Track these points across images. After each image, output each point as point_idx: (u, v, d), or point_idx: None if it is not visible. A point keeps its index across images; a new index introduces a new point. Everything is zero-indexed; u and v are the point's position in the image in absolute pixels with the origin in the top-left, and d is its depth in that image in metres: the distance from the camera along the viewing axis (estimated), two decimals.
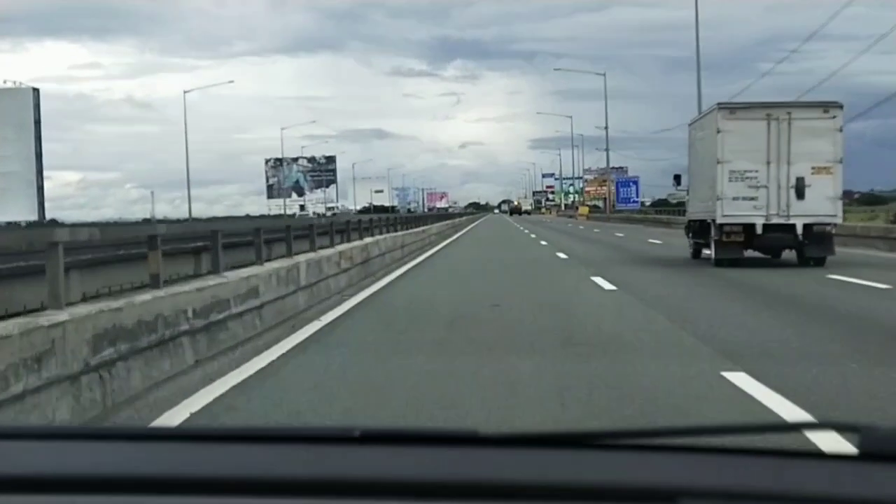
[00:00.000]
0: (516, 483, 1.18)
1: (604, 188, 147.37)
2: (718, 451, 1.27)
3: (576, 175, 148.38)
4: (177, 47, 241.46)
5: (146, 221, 56.16)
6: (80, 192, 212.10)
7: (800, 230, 19.24)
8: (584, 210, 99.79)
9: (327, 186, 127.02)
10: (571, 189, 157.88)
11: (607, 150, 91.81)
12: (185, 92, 71.01)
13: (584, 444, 1.32)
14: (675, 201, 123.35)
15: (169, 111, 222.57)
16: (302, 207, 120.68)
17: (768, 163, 19.37)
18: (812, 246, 19.44)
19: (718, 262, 19.90)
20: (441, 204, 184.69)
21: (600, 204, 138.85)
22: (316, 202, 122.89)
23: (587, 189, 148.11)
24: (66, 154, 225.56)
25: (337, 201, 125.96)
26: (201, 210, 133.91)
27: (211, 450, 1.34)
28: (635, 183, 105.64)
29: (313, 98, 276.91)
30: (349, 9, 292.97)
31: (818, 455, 1.30)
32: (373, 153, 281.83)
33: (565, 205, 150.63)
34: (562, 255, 25.81)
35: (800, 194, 19.23)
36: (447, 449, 1.31)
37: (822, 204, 19.17)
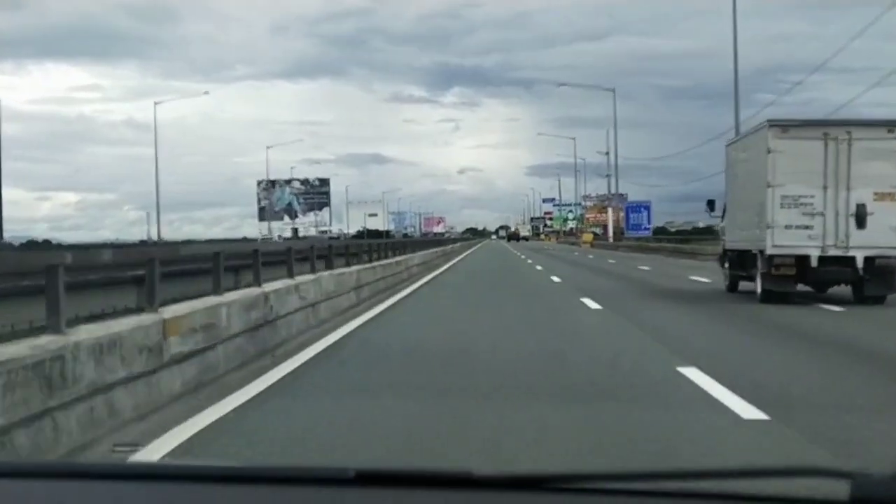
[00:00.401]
0: None
1: (604, 215, 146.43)
2: (712, 496, 1.26)
3: (575, 201, 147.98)
4: (178, 71, 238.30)
5: (142, 243, 55.84)
6: (78, 212, 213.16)
7: (860, 263, 17.07)
8: (588, 237, 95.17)
9: (320, 209, 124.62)
10: (570, 215, 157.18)
11: (615, 173, 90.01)
12: (155, 103, 68.52)
13: (579, 489, 1.29)
14: (673, 229, 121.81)
15: (168, 134, 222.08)
16: (295, 231, 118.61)
17: (825, 187, 17.21)
18: (873, 282, 17.26)
19: (766, 298, 17.69)
20: (438, 229, 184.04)
21: (598, 231, 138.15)
22: (308, 225, 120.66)
23: (587, 216, 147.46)
24: (66, 175, 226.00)
25: (330, 224, 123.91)
26: (199, 232, 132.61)
27: (200, 490, 1.30)
28: (647, 208, 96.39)
29: (314, 123, 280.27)
30: (351, 35, 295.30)
31: (809, 501, 1.27)
32: (372, 178, 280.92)
33: (564, 231, 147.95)
34: (591, 304, 17.55)
35: (860, 223, 17.08)
36: (442, 491, 1.29)
37: (885, 234, 16.99)
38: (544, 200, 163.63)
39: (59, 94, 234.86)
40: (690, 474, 1.33)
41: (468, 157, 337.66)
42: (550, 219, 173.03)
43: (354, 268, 18.12)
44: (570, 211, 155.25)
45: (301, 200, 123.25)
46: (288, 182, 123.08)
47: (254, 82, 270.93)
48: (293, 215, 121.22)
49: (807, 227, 17.23)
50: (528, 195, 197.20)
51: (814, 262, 17.25)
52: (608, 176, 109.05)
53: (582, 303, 18.03)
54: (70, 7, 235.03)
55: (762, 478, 1.35)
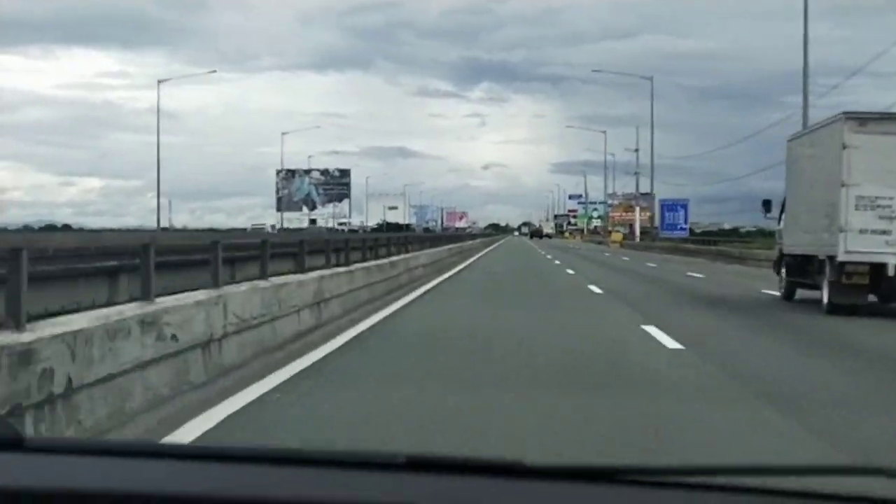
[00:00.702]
0: None
1: (630, 214, 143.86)
2: (756, 491, 1.25)
3: (600, 200, 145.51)
4: (205, 60, 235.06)
5: (164, 230, 55.51)
6: (102, 198, 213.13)
7: None
8: (617, 236, 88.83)
9: (340, 201, 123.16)
10: (595, 213, 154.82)
11: (651, 172, 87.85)
12: (159, 82, 66.41)
13: (633, 482, 1.29)
14: (699, 230, 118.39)
15: (194, 122, 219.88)
16: (313, 221, 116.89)
17: None
18: None
19: (833, 310, 15.83)
20: (460, 224, 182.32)
21: (624, 230, 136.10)
22: (327, 216, 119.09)
23: (612, 214, 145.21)
24: (91, 161, 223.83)
25: (350, 216, 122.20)
26: (221, 221, 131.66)
27: (253, 471, 1.32)
28: (683, 207, 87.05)
29: (339, 115, 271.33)
30: (378, 28, 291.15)
31: (858, 499, 1.25)
32: (396, 171, 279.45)
33: (590, 230, 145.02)
34: (662, 338, 11.60)
35: None
36: (492, 479, 1.29)
37: None
38: (570, 197, 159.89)
39: (85, 80, 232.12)
40: (751, 470, 1.37)
41: (493, 152, 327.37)
42: (574, 216, 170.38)
43: (314, 274, 12.63)
44: (595, 209, 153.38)
45: (321, 191, 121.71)
46: (307, 172, 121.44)
47: (280, 73, 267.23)
48: (312, 206, 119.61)
49: (884, 232, 15.37)
50: (553, 192, 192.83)
51: (890, 271, 15.38)
52: (636, 174, 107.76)
53: (646, 333, 12.26)
54: None
55: (816, 475, 1.34)
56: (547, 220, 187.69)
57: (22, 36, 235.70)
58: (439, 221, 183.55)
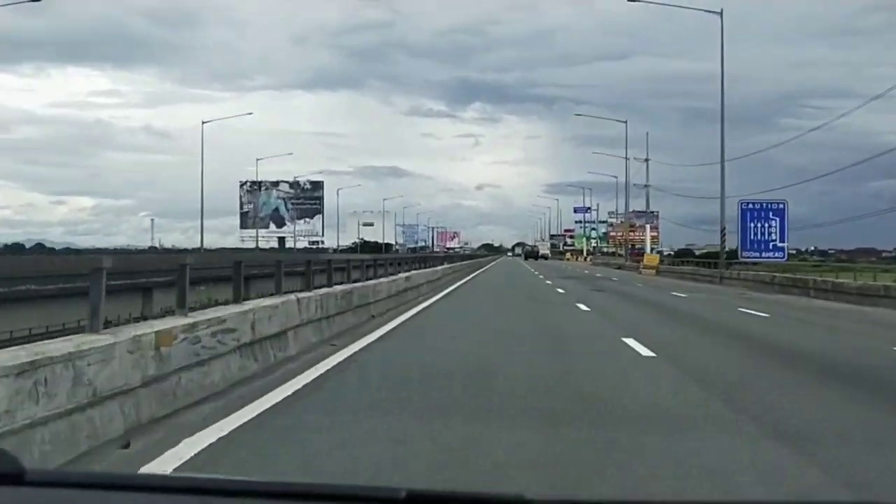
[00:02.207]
0: None
1: (632, 233, 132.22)
2: None
3: (600, 220, 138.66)
4: (197, 78, 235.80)
5: (152, 249, 59.17)
6: (94, 217, 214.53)
7: None
8: (652, 259, 64.60)
9: (312, 217, 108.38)
10: (593, 234, 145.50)
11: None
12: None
13: None
14: (698, 252, 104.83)
15: (186, 142, 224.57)
16: (281, 241, 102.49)
17: None
18: None
19: None
20: (452, 244, 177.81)
21: (619, 251, 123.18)
22: (298, 235, 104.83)
23: (611, 234, 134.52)
24: (83, 180, 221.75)
25: (323, 234, 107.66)
26: (212, 241, 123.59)
27: None
28: (779, 213, 49.30)
29: (331, 134, 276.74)
30: (371, 48, 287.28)
31: None
32: (388, 191, 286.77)
33: (601, 251, 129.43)
34: None
35: None
36: None
37: None
38: (576, 210, 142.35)
39: (78, 99, 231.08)
40: None
41: (486, 173, 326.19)
42: (572, 236, 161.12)
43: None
44: (594, 229, 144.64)
45: (290, 206, 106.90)
46: (275, 185, 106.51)
47: (273, 92, 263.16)
48: (280, 223, 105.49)
49: None
50: (546, 213, 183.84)
51: None
52: (647, 186, 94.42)
53: None
54: (93, 10, 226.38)
55: None
56: (542, 239, 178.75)
57: (14, 54, 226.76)
58: (430, 241, 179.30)
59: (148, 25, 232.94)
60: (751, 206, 46.17)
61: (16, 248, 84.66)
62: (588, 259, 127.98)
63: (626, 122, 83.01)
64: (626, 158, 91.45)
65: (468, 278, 40.09)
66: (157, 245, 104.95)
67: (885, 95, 53.11)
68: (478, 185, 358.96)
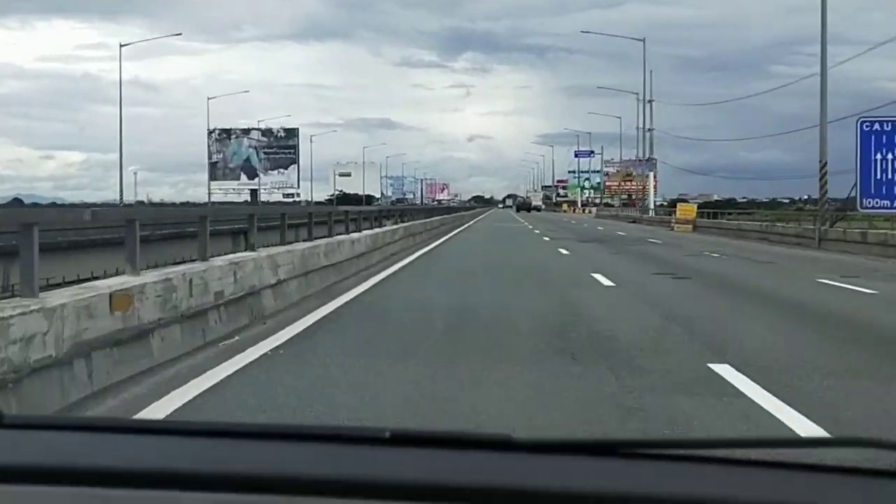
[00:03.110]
0: (549, 490, 1.18)
1: (629, 183, 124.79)
2: (754, 463, 1.26)
3: (594, 168, 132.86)
4: (185, 30, 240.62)
5: (140, 203, 62.38)
6: (83, 172, 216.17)
7: None
8: (688, 211, 47.46)
9: (286, 168, 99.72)
10: (587, 184, 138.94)
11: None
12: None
13: (618, 453, 1.31)
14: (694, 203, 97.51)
15: (174, 95, 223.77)
16: (254, 193, 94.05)
17: None
18: None
19: None
20: (442, 196, 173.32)
21: (612, 202, 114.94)
22: (272, 187, 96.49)
23: (608, 183, 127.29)
24: (71, 134, 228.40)
25: (298, 186, 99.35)
26: (200, 195, 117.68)
27: (237, 446, 1.33)
28: None
29: (321, 86, 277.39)
30: None
31: (854, 470, 1.27)
32: (379, 143, 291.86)
33: (605, 202, 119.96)
34: None
35: None
36: (479, 453, 1.29)
37: None
38: (577, 154, 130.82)
39: (65, 52, 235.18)
40: (731, 443, 1.36)
41: (478, 124, 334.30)
42: (564, 187, 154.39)
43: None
44: (588, 179, 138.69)
45: (262, 156, 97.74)
46: (246, 132, 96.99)
47: (261, 43, 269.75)
48: (252, 174, 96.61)
49: None
50: (539, 162, 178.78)
51: None
52: (650, 130, 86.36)
53: None
54: None
55: (808, 447, 1.38)
56: (535, 190, 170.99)
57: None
58: (418, 193, 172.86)
59: None
60: (879, 127, 28.20)
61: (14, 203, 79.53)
62: (588, 211, 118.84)
63: (643, 39, 74.10)
64: (643, 101, 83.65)
65: (445, 238, 31.39)
66: (144, 200, 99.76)
67: (884, 44, 46.01)
68: (469, 136, 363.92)
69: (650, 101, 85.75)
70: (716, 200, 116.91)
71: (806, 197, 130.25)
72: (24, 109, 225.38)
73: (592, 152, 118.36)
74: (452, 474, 1.21)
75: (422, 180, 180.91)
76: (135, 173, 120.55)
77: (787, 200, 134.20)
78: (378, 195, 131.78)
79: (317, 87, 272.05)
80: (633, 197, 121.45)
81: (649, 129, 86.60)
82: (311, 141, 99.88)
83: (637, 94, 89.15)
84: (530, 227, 50.40)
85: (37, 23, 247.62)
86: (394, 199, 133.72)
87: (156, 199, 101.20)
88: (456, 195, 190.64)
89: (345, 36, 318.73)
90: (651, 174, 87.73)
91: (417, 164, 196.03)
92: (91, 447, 1.31)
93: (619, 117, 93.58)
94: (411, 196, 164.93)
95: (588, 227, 52.62)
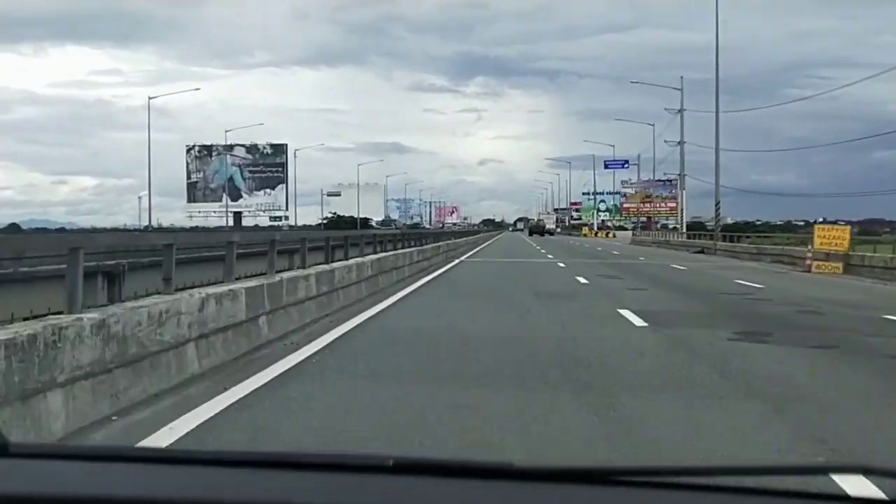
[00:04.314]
0: None
1: (647, 205, 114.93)
2: (752, 492, 1.26)
3: (607, 190, 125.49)
4: (196, 56, 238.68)
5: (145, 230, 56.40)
6: (95, 197, 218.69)
7: None
8: (838, 236, 27.50)
9: (273, 188, 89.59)
10: (602, 206, 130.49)
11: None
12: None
13: (620, 482, 1.30)
14: (709, 225, 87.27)
15: (186, 120, 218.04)
16: (237, 217, 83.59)
17: None
18: None
19: None
20: (452, 219, 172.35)
21: (626, 225, 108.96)
22: (256, 209, 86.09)
23: (626, 205, 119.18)
24: (84, 159, 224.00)
25: (287, 207, 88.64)
26: (211, 221, 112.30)
27: (238, 475, 1.33)
28: None
29: (332, 111, 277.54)
30: (372, 23, 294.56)
31: (844, 498, 1.27)
32: (390, 168, 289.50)
33: (640, 225, 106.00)
34: None
35: None
36: (482, 482, 1.29)
37: None
38: (606, 164, 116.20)
39: (78, 78, 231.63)
40: (728, 470, 1.38)
41: (489, 148, 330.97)
42: (578, 210, 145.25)
43: None
44: (603, 201, 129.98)
45: (247, 175, 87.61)
46: (229, 149, 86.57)
47: (273, 69, 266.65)
48: (236, 195, 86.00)
49: None
50: (549, 186, 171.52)
51: None
52: (681, 143, 76.23)
53: None
54: None
55: (800, 475, 1.40)
56: (548, 213, 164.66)
57: (13, 33, 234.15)
58: (428, 217, 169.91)
59: (147, 2, 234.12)
60: None
61: (11, 230, 73.33)
62: (612, 235, 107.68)
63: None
64: (680, 107, 74.09)
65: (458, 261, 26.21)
66: (153, 224, 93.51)
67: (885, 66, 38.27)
68: (480, 160, 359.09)
69: (680, 111, 76.48)
70: (732, 223, 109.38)
71: (822, 219, 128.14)
72: (37, 135, 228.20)
73: (626, 162, 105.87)
74: (455, 503, 1.20)
75: (430, 203, 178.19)
76: (139, 198, 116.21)
77: (801, 223, 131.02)
78: (379, 218, 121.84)
79: (328, 112, 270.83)
80: (650, 219, 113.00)
81: (679, 143, 77.01)
82: (294, 155, 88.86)
83: (653, 124, 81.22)
84: (551, 257, 37.84)
85: (50, 49, 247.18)
86: (398, 222, 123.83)
87: (165, 224, 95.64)
88: (465, 218, 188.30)
89: (356, 61, 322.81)
90: (683, 192, 77.37)
91: (431, 189, 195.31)
92: (96, 476, 1.32)
93: (652, 125, 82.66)
94: (418, 219, 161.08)
95: (632, 262, 34.98)
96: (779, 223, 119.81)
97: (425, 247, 26.82)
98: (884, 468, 1.21)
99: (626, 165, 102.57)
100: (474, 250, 45.17)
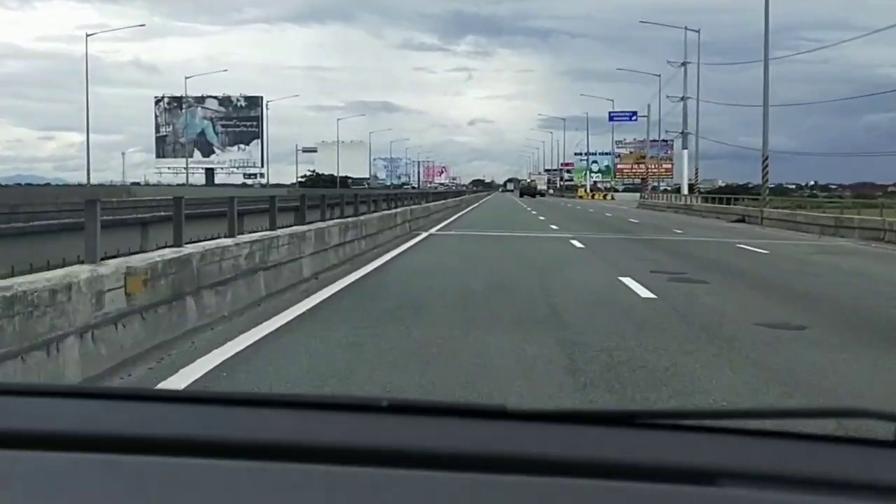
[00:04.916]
0: (544, 458, 1.18)
1: (642, 166, 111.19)
2: (757, 433, 1.27)
3: (600, 151, 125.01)
4: (185, 12, 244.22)
5: (135, 185, 54.78)
6: (82, 153, 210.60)
7: None
8: None
9: (248, 143, 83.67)
10: (595, 167, 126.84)
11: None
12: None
13: (616, 423, 1.31)
14: (702, 189, 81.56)
15: (175, 76, 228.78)
16: (210, 173, 78.03)
17: None
18: None
19: None
20: (441, 179, 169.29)
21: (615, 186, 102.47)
22: (230, 166, 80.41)
23: (620, 166, 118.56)
24: (71, 115, 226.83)
25: (263, 164, 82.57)
26: (199, 178, 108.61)
27: (236, 413, 1.34)
28: None
29: (322, 68, 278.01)
30: None
31: (855, 440, 1.30)
32: (380, 126, 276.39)
33: (651, 185, 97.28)
34: None
35: None
36: (475, 422, 1.30)
37: None
38: (611, 116, 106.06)
39: (65, 32, 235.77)
40: (734, 413, 1.39)
41: (479, 107, 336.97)
42: (570, 171, 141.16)
43: None
44: (595, 161, 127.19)
45: (220, 129, 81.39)
46: (200, 101, 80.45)
47: (262, 25, 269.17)
48: (208, 150, 80.00)
49: None
50: (541, 146, 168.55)
51: None
52: (683, 98, 71.12)
53: None
54: None
55: (810, 418, 1.40)
56: (539, 173, 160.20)
57: None
58: (416, 177, 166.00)
59: None
60: None
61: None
62: (611, 197, 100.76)
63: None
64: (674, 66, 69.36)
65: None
66: (140, 182, 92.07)
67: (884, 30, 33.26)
68: (470, 120, 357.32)
69: (684, 64, 70.97)
70: (722, 186, 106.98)
71: (813, 183, 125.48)
72: (23, 90, 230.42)
73: (634, 114, 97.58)
74: (448, 442, 1.23)
75: (418, 162, 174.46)
76: (123, 154, 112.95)
77: (792, 186, 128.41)
78: (365, 177, 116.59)
79: (317, 70, 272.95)
80: (644, 181, 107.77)
81: (682, 98, 71.24)
82: (266, 107, 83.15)
83: (659, 75, 76.32)
84: (556, 228, 28.26)
85: (36, 2, 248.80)
86: (370, 181, 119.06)
87: (152, 181, 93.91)
88: (454, 178, 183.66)
89: (346, 18, 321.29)
90: (685, 152, 71.80)
91: (420, 148, 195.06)
92: (83, 413, 1.33)
93: (658, 75, 77.51)
94: (406, 179, 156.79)
95: (671, 238, 24.79)
96: (770, 186, 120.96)
97: (366, 216, 17.49)
98: (886, 412, 1.24)
99: (633, 118, 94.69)
100: (455, 216, 36.96)
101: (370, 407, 1.32)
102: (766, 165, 40.43)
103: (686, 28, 68.62)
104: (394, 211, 21.36)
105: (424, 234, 22.42)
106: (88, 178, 52.12)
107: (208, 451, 1.18)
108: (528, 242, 20.89)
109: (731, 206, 45.53)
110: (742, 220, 37.54)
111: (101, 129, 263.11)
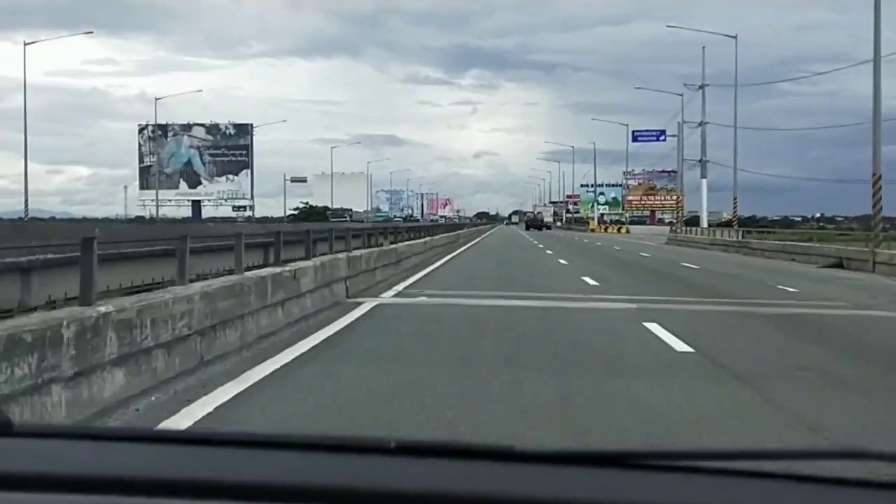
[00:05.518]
0: (554, 500, 1.18)
1: (651, 197, 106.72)
2: (760, 475, 1.27)
3: (607, 183, 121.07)
4: (192, 46, 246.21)
5: (139, 219, 58.73)
6: (90, 187, 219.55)
7: None
8: None
9: (237, 173, 78.80)
10: (602, 199, 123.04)
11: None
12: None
13: (622, 464, 1.31)
14: (709, 220, 76.13)
15: (181, 110, 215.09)
16: (196, 206, 73.03)
17: None
18: None
19: None
20: (445, 212, 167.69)
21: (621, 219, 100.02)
22: (218, 197, 75.32)
23: (629, 198, 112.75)
24: (78, 149, 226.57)
25: (252, 197, 77.39)
26: (209, 211, 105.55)
27: (242, 455, 1.34)
28: None
29: (327, 102, 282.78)
30: (368, 14, 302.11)
31: (853, 482, 1.30)
32: (385, 159, 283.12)
33: (674, 219, 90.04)
34: None
35: None
36: (483, 463, 1.31)
37: None
38: (635, 136, 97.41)
39: (72, 67, 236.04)
40: (736, 454, 1.38)
41: (484, 140, 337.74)
42: (576, 203, 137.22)
43: None
44: (602, 193, 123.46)
45: (207, 158, 76.62)
46: (186, 129, 75.84)
47: (268, 59, 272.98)
48: (194, 181, 75.12)
49: None
50: (550, 173, 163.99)
51: None
52: (702, 124, 66.32)
53: None
54: None
55: (814, 459, 1.39)
56: (544, 205, 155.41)
57: (8, 21, 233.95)
58: (417, 208, 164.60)
59: None
60: None
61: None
62: (626, 230, 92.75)
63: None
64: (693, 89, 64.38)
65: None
66: (144, 216, 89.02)
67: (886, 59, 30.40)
68: (475, 153, 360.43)
69: (702, 87, 66.00)
70: (728, 220, 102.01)
71: (819, 215, 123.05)
72: (31, 124, 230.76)
73: (663, 133, 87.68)
74: (456, 485, 1.21)
75: (422, 195, 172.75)
76: (125, 188, 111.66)
77: (798, 218, 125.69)
78: (359, 209, 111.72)
79: (322, 103, 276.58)
80: (655, 213, 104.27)
81: (700, 124, 66.18)
82: (252, 132, 78.66)
83: (681, 95, 71.13)
84: (594, 283, 18.49)
85: (44, 37, 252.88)
86: (352, 213, 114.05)
87: (156, 215, 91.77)
88: (459, 211, 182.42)
89: (351, 52, 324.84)
90: (704, 182, 66.20)
91: (425, 181, 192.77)
92: (99, 455, 1.32)
93: (681, 95, 72.29)
94: (409, 211, 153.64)
95: (721, 273, 21.76)
96: (776, 218, 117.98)
97: (304, 263, 12.09)
98: (887, 452, 1.22)
99: (662, 137, 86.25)
100: (446, 258, 28.50)
101: (378, 448, 1.31)
102: (879, 188, 28.63)
103: (703, 47, 63.92)
104: (357, 253, 15.73)
105: (369, 304, 13.19)
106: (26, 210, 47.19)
107: (214, 492, 1.16)
108: (564, 322, 11.66)
109: (819, 244, 33.06)
110: (839, 265, 27.80)
111: (108, 162, 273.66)
